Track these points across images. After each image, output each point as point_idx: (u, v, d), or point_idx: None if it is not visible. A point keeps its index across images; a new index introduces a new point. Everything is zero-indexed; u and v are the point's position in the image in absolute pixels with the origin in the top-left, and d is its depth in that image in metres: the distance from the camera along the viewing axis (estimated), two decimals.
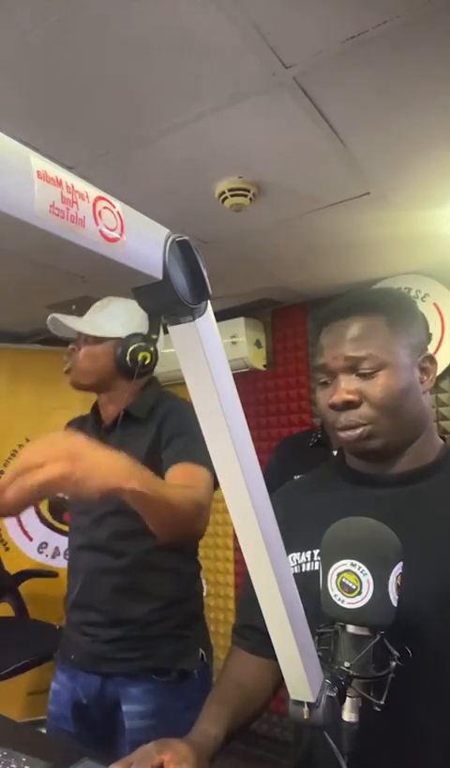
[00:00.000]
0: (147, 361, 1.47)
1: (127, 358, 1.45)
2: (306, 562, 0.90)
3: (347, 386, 0.86)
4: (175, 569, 1.44)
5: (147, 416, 1.46)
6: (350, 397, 0.85)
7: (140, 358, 1.45)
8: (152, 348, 1.49)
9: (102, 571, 1.41)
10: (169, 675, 1.37)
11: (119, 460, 0.96)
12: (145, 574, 1.39)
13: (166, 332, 0.55)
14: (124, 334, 1.47)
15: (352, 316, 0.89)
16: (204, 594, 1.57)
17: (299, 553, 0.91)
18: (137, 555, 1.39)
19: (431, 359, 0.91)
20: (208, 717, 0.89)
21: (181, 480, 1.28)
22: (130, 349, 1.45)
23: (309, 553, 0.90)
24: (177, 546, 1.40)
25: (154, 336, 1.51)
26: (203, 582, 1.58)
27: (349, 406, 0.86)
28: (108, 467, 0.91)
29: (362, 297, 0.94)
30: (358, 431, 0.86)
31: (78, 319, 1.51)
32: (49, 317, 1.47)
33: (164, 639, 1.39)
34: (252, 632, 0.96)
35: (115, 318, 1.49)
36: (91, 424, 1.57)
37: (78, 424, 1.66)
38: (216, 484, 1.33)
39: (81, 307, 1.58)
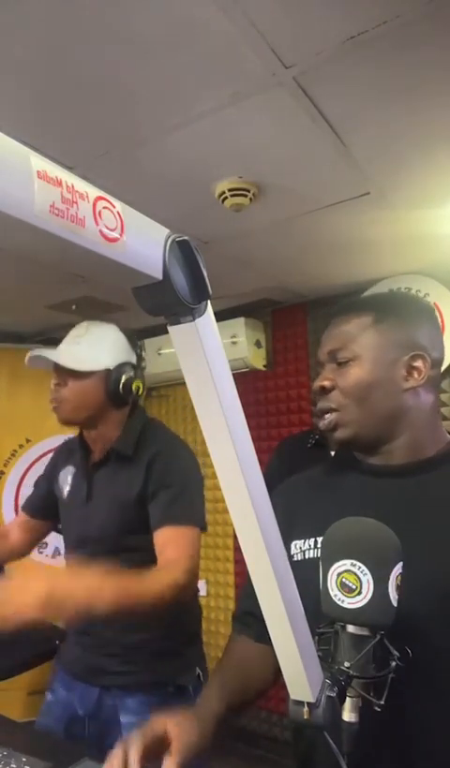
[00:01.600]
0: (140, 391, 1.45)
1: (121, 389, 1.41)
2: (309, 549, 0.91)
3: (326, 373, 0.95)
4: None
5: (134, 452, 1.43)
6: (325, 383, 0.93)
7: (134, 388, 1.43)
8: (141, 376, 1.47)
9: None
10: (166, 689, 1.38)
11: (87, 583, 1.07)
12: None
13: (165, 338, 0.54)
14: (112, 365, 1.42)
15: (343, 315, 0.96)
16: (204, 593, 1.57)
17: (302, 541, 0.92)
18: None
19: (422, 358, 0.90)
20: (211, 692, 0.92)
21: (165, 550, 1.29)
22: (123, 380, 1.42)
23: (313, 540, 0.91)
24: None
25: (143, 365, 1.49)
26: (204, 582, 1.58)
27: (324, 391, 0.93)
28: (79, 593, 1.04)
29: (360, 297, 1.00)
30: (327, 418, 0.93)
31: (62, 353, 1.44)
32: (28, 355, 1.41)
33: (164, 655, 1.40)
34: (255, 620, 0.97)
35: (99, 348, 1.44)
36: (79, 459, 1.54)
37: (65, 455, 1.62)
38: (203, 528, 1.37)
39: (81, 307, 1.56)
